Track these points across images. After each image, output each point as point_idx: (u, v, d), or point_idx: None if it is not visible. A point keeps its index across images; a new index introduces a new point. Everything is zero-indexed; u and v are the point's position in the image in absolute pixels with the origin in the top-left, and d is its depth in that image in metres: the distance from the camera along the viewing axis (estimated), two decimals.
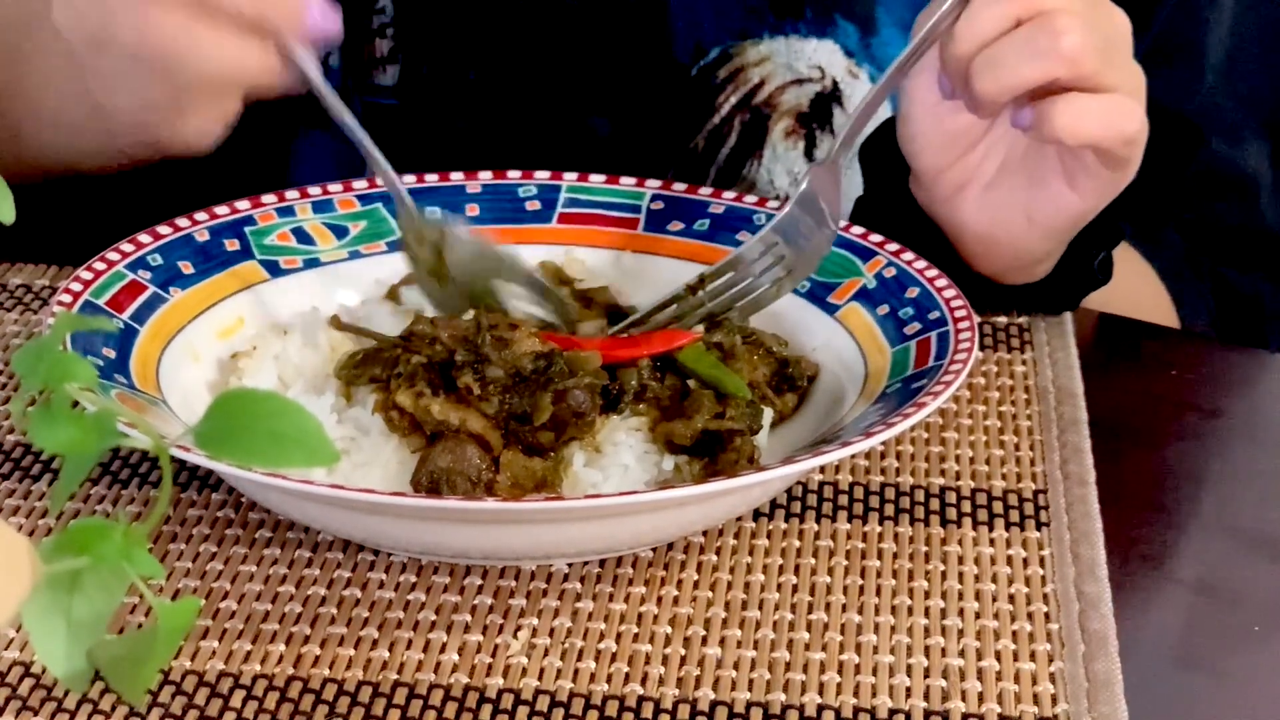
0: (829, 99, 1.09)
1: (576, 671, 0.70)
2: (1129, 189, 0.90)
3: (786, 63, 1.09)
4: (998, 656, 0.71)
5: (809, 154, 1.10)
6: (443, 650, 0.71)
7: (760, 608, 0.74)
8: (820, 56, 1.09)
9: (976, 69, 0.84)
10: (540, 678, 0.69)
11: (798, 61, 1.09)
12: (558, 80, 1.09)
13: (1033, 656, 0.71)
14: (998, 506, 0.80)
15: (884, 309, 0.86)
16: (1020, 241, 0.91)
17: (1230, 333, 1.13)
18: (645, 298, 0.89)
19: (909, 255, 0.88)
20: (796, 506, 0.80)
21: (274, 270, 0.90)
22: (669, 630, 0.72)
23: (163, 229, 0.89)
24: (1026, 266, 0.94)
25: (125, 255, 0.87)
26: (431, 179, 0.95)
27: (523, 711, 0.68)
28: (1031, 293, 0.95)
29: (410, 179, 0.95)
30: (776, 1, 1.07)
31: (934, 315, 0.83)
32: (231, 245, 0.90)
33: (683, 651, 0.71)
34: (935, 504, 0.81)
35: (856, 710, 0.68)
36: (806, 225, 0.88)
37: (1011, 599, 0.74)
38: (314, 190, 0.94)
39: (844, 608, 0.74)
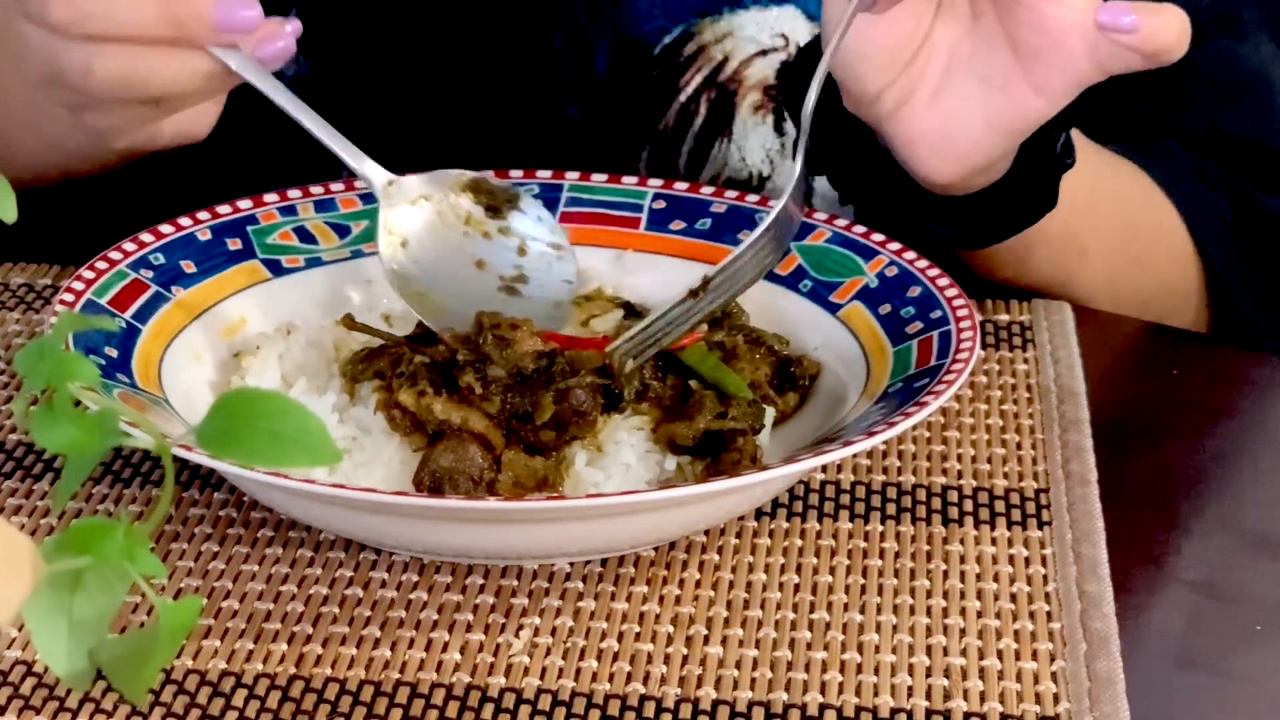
0: (795, 66, 1.04)
1: (578, 670, 0.70)
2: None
3: (751, 35, 1.06)
4: (999, 655, 0.71)
5: (779, 128, 1.07)
6: (445, 649, 0.71)
7: (762, 607, 0.74)
8: (783, 24, 1.06)
9: None
10: (542, 677, 0.69)
11: (760, 33, 1.06)
12: (528, 70, 1.08)
13: (1034, 656, 0.71)
14: (999, 505, 0.80)
15: (886, 308, 0.86)
16: (977, 147, 0.87)
17: (1255, 251, 1.06)
18: (647, 297, 0.89)
19: (911, 254, 0.88)
20: (798, 506, 0.80)
21: (276, 269, 0.90)
22: (671, 629, 0.72)
23: (165, 228, 0.89)
24: (982, 170, 0.89)
25: (127, 254, 0.87)
26: None
27: (525, 710, 0.68)
28: (996, 196, 0.91)
29: None
30: None
31: (936, 314, 0.83)
32: (234, 244, 0.90)
33: (684, 650, 0.71)
34: (937, 503, 0.81)
35: (858, 709, 0.68)
36: (792, 214, 0.86)
37: (1013, 598, 0.74)
38: (316, 189, 0.94)
39: (846, 607, 0.74)
